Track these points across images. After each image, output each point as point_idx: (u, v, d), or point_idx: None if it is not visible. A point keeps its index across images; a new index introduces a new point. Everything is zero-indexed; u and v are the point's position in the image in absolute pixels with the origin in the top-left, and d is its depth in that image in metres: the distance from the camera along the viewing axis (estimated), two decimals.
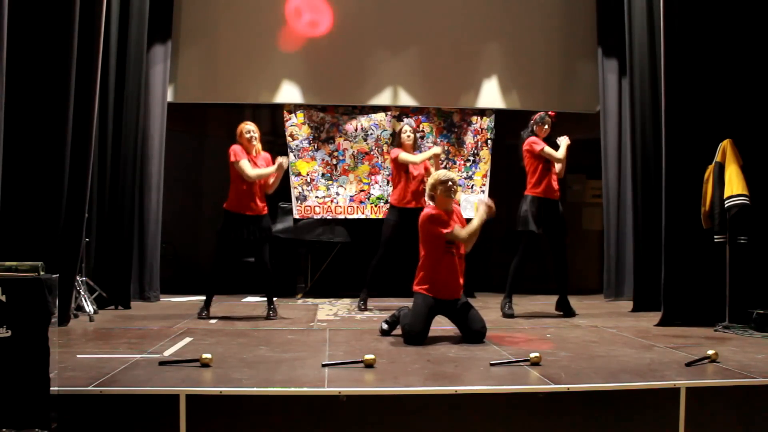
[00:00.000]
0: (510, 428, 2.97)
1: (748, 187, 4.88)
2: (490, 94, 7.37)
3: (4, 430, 2.70)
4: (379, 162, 7.24)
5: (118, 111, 6.15)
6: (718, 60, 5.23)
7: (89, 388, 2.95)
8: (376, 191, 7.25)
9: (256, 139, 5.35)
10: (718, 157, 5.03)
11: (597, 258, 7.62)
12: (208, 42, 7.12)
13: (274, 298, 5.59)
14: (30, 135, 4.64)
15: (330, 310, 6.13)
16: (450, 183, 4.45)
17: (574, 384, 3.11)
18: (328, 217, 7.18)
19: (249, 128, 5.36)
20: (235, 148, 5.27)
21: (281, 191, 7.36)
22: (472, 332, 4.34)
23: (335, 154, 7.26)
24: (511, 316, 5.59)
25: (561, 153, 5.61)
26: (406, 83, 7.29)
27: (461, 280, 4.47)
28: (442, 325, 5.14)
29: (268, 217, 5.47)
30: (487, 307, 6.09)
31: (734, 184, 4.88)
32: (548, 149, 5.57)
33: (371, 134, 7.27)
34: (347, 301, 6.76)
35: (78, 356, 3.69)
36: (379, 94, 7.24)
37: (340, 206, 7.18)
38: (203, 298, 5.45)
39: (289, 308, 6.26)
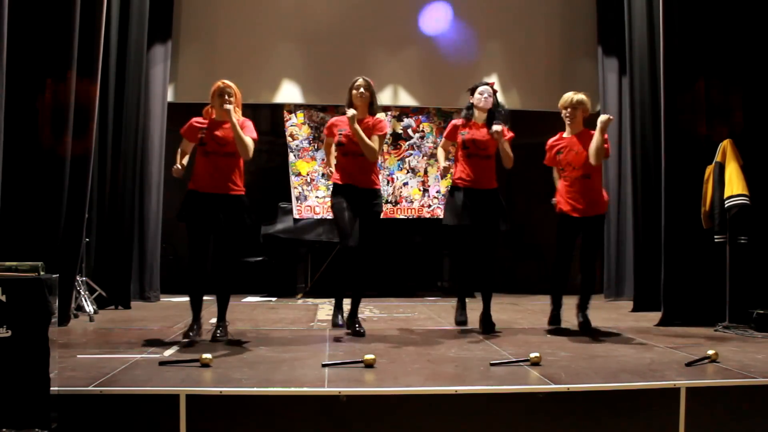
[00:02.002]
0: (510, 428, 2.97)
1: (748, 187, 4.88)
2: None
3: (4, 430, 2.70)
4: (379, 162, 7.23)
5: (118, 111, 6.15)
6: (718, 60, 5.23)
7: (89, 388, 2.95)
8: None
9: (230, 102, 4.19)
10: (718, 157, 5.03)
11: (597, 258, 7.60)
12: (208, 42, 7.13)
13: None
14: (30, 135, 4.64)
15: (330, 310, 6.12)
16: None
17: (574, 384, 3.10)
18: (328, 217, 7.18)
19: (221, 87, 4.25)
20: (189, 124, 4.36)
21: (281, 191, 7.39)
22: None
23: None
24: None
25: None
26: (406, 83, 7.29)
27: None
28: (442, 326, 5.15)
29: (240, 200, 4.32)
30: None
31: (734, 184, 4.88)
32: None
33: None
34: (347, 301, 6.74)
35: (78, 356, 3.69)
36: (379, 94, 7.18)
37: None
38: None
39: (289, 308, 6.26)
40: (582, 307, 4.83)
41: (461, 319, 4.96)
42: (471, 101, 4.85)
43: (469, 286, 5.01)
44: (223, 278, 4.36)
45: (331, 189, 4.73)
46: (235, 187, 4.30)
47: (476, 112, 4.82)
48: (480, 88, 4.82)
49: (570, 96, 4.82)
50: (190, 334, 4.27)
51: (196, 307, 4.34)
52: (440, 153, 5.08)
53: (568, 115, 4.81)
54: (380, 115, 4.67)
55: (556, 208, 4.87)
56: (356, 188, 4.55)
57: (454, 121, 4.95)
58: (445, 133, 5.01)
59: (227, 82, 4.27)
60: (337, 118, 4.76)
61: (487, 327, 4.73)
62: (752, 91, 5.20)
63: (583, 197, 4.69)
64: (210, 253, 4.30)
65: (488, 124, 4.75)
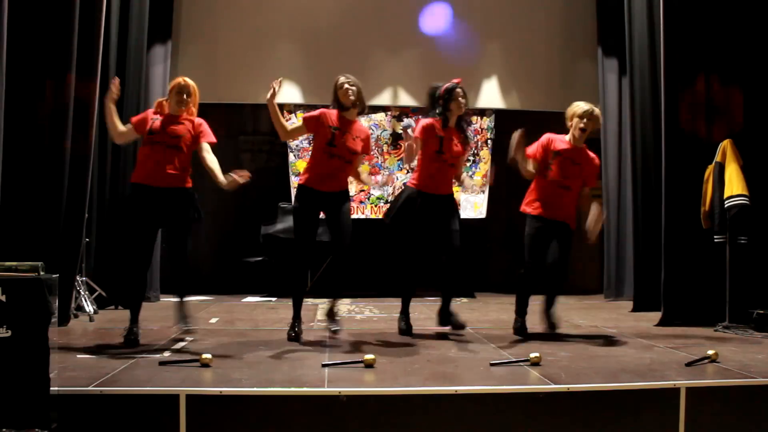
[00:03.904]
0: (510, 428, 2.97)
1: (748, 187, 4.88)
2: (490, 94, 7.37)
3: (4, 430, 2.70)
4: (379, 162, 7.23)
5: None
6: (718, 60, 5.23)
7: (89, 388, 2.95)
8: (375, 191, 7.25)
9: (185, 102, 4.13)
10: (718, 157, 5.03)
11: (597, 258, 7.62)
12: (208, 42, 7.13)
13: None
14: (30, 135, 4.64)
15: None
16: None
17: (574, 384, 3.10)
18: None
19: (180, 84, 4.13)
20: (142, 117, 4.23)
21: (281, 191, 7.38)
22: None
23: None
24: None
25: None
26: (406, 83, 7.29)
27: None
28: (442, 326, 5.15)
29: (188, 193, 4.15)
30: (487, 306, 6.07)
31: (734, 184, 4.88)
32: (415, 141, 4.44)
33: (371, 134, 7.26)
34: (347, 301, 6.75)
35: (78, 356, 3.69)
36: (379, 94, 7.24)
37: None
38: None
39: (289, 308, 6.24)
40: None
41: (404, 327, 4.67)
42: (444, 105, 4.48)
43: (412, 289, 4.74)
44: (183, 279, 4.27)
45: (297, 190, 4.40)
46: (180, 181, 4.10)
47: (450, 117, 4.52)
48: (456, 91, 4.48)
49: (590, 107, 4.51)
50: (131, 337, 4.08)
51: (138, 308, 4.19)
52: (410, 150, 4.48)
53: (583, 126, 4.47)
54: (377, 117, 4.53)
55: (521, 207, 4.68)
56: (326, 193, 4.32)
57: (430, 122, 4.52)
58: (419, 133, 4.48)
59: (187, 80, 4.17)
60: (325, 111, 4.49)
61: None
62: (752, 90, 5.20)
63: (559, 208, 4.52)
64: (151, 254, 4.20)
65: (459, 128, 4.56)
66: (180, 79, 4.17)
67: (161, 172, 4.04)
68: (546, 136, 4.63)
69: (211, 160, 4.10)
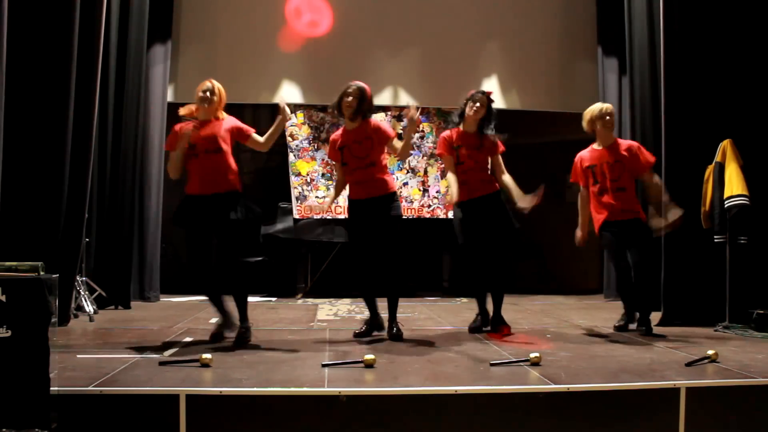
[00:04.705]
0: (510, 428, 2.97)
1: (748, 187, 4.88)
2: None
3: (4, 430, 2.70)
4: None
5: (118, 111, 6.16)
6: (718, 60, 5.23)
7: (89, 388, 2.95)
8: None
9: (209, 101, 4.16)
10: (718, 157, 5.03)
11: (597, 258, 7.62)
12: (208, 42, 7.13)
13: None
14: (30, 135, 4.64)
15: (330, 310, 6.13)
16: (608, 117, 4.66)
17: (574, 384, 3.10)
18: (328, 217, 7.18)
19: (204, 87, 4.19)
20: (172, 133, 4.24)
21: (281, 191, 7.39)
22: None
23: None
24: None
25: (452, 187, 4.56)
26: (406, 83, 7.29)
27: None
28: (442, 325, 5.15)
29: (233, 196, 4.17)
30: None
31: (734, 185, 4.88)
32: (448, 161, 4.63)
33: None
34: (347, 301, 6.76)
35: (78, 356, 3.69)
36: (379, 94, 7.23)
37: (340, 206, 7.18)
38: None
39: (289, 308, 6.26)
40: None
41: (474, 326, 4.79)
42: (462, 111, 4.66)
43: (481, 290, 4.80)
44: (231, 279, 4.30)
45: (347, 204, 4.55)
46: (228, 185, 4.16)
47: (466, 121, 4.64)
48: (473, 95, 4.66)
49: (601, 105, 4.76)
50: (223, 333, 4.28)
51: (217, 305, 4.34)
52: (452, 179, 4.58)
53: (610, 120, 4.68)
54: (377, 117, 4.60)
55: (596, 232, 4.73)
56: (368, 200, 4.38)
57: (445, 135, 4.70)
58: (441, 151, 4.69)
59: (213, 81, 4.23)
60: (334, 135, 4.55)
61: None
62: (752, 90, 5.20)
63: (622, 204, 4.63)
64: (213, 255, 4.24)
65: (479, 131, 4.65)
66: (205, 81, 4.23)
67: (211, 180, 4.13)
68: (577, 157, 4.82)
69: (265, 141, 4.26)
